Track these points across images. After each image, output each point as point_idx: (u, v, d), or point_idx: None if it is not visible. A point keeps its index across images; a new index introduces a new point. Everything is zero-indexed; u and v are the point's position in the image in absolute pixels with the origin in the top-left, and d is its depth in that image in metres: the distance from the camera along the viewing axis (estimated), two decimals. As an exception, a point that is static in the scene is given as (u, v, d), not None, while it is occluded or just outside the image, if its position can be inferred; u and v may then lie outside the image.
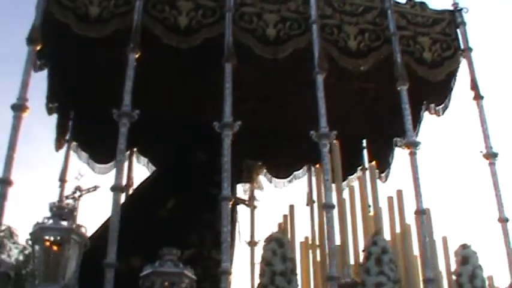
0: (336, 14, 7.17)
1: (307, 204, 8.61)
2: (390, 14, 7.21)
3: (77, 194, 16.71)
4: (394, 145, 8.67)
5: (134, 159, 8.76)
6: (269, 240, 5.95)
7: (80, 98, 7.76)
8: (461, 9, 7.46)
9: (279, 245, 5.87)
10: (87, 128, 8.18)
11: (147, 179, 7.68)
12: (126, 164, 8.80)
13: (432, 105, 7.80)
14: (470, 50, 7.28)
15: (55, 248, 5.47)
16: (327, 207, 6.02)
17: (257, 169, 8.24)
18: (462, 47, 7.34)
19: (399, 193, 6.74)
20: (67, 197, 16.38)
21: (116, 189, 5.77)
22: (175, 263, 5.56)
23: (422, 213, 6.19)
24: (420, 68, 7.16)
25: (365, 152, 8.92)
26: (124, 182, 8.64)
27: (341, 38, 7.06)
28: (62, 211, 5.60)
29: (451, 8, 7.58)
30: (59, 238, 5.43)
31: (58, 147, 7.96)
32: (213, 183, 7.23)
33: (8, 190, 5.71)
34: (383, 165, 8.70)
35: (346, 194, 7.00)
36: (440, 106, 7.65)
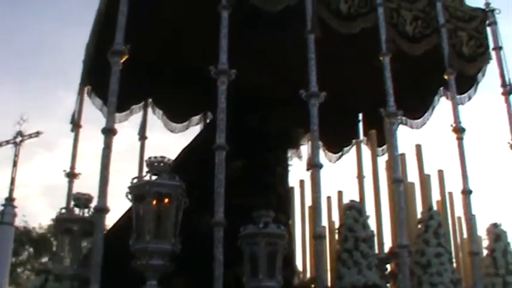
0: (394, -2, 7.55)
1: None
2: (440, 5, 7.74)
3: (18, 139, 15.85)
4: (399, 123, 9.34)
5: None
6: (349, 208, 6.33)
7: None
8: (494, 10, 8.18)
9: (358, 213, 6.29)
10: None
11: (197, 139, 7.66)
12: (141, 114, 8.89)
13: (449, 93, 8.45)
14: (500, 48, 8.05)
15: (163, 204, 5.42)
16: (396, 181, 6.54)
17: (301, 137, 8.48)
18: (493, 45, 8.09)
19: (440, 172, 7.39)
20: (7, 142, 15.41)
21: (220, 148, 5.77)
22: (276, 224, 5.80)
23: (468, 193, 6.93)
24: (458, 61, 7.77)
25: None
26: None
27: (400, 22, 7.46)
28: (164, 167, 5.51)
29: (483, 7, 8.27)
30: (169, 194, 5.39)
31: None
32: (267, 147, 7.42)
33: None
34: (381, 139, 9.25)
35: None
36: (462, 95, 8.30)
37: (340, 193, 8.28)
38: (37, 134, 14.15)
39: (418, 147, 7.40)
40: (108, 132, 5.45)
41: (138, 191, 5.36)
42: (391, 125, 6.79)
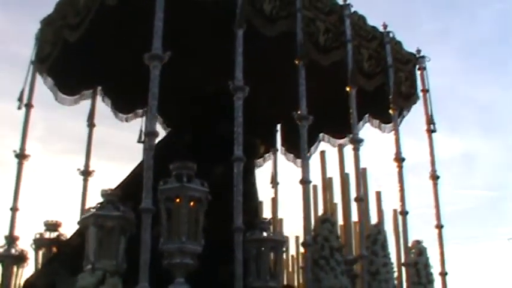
0: (356, 36, 8.55)
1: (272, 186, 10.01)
2: (389, 48, 8.93)
3: None
4: (319, 140, 10.35)
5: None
6: (324, 220, 7.20)
7: None
8: (424, 57, 9.57)
9: (332, 225, 7.18)
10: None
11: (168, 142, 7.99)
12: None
13: (376, 121, 9.68)
14: (427, 91, 9.47)
15: (192, 207, 5.85)
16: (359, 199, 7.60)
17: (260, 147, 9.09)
18: (421, 88, 9.46)
19: (378, 194, 8.55)
20: None
21: (237, 159, 6.29)
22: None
23: (405, 214, 8.21)
24: (395, 98, 8.98)
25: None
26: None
27: (359, 59, 8.49)
28: (191, 172, 5.90)
29: (415, 53, 9.62)
30: (200, 198, 5.84)
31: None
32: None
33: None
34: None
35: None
36: (388, 125, 9.35)
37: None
38: None
39: (364, 170, 8.47)
40: (151, 135, 5.71)
41: (171, 194, 5.75)
42: (356, 150, 7.80)
